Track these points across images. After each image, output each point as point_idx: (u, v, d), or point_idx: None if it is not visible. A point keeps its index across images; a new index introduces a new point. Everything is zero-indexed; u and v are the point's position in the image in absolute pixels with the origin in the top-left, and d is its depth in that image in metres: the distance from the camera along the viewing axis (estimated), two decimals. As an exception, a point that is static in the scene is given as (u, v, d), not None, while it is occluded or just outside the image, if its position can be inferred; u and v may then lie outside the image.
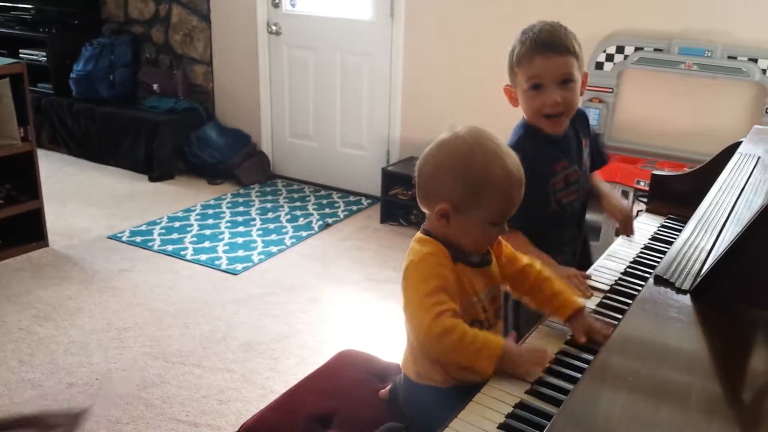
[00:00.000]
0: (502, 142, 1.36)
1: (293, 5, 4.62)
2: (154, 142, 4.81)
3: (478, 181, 1.30)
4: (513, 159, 1.33)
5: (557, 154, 1.79)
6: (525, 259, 1.49)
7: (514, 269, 1.48)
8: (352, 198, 4.58)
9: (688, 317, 1.23)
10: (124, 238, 3.83)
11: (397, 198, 4.13)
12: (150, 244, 3.77)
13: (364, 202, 4.51)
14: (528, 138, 1.76)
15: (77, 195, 4.48)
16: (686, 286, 1.27)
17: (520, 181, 1.33)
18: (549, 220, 1.79)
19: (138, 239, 3.82)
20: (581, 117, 1.90)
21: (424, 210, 1.39)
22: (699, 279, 1.26)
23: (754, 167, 1.84)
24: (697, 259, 1.37)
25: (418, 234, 1.41)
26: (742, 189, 1.69)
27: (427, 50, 4.15)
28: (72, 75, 5.14)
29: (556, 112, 1.71)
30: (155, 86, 5.12)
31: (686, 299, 1.25)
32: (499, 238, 1.44)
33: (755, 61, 3.20)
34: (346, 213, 4.32)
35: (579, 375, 1.20)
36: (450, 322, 1.25)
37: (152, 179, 4.80)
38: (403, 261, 1.38)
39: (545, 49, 1.66)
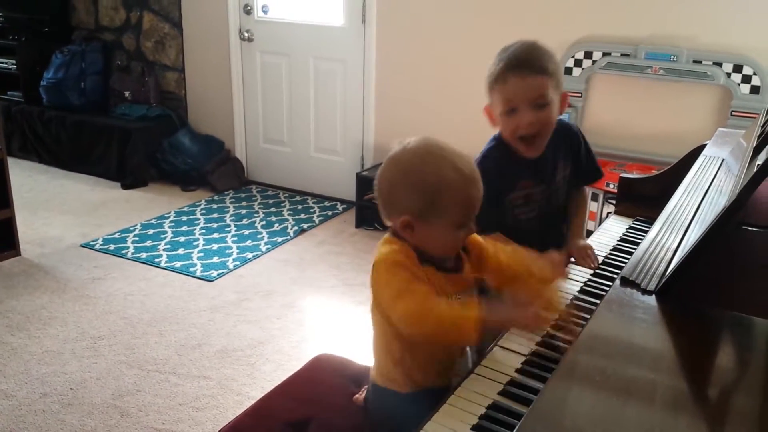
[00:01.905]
0: (451, 146, 1.36)
1: (265, 12, 4.62)
2: (127, 150, 4.79)
3: (433, 189, 1.31)
4: (464, 159, 1.34)
5: (522, 172, 1.78)
6: (501, 256, 1.50)
7: (493, 265, 1.49)
8: (327, 203, 4.59)
9: (654, 317, 1.26)
10: (97, 246, 3.80)
11: (372, 203, 4.14)
12: (123, 251, 3.75)
13: (340, 207, 4.53)
14: (496, 151, 1.77)
15: (49, 203, 4.44)
16: (651, 287, 1.31)
17: (474, 179, 1.34)
18: (506, 232, 1.75)
19: (111, 247, 3.80)
20: (568, 136, 1.87)
21: (390, 225, 1.40)
22: (663, 280, 1.29)
23: (719, 169, 1.89)
24: (662, 259, 1.41)
25: (386, 236, 1.42)
26: (707, 190, 1.73)
27: (399, 56, 4.17)
28: (42, 83, 5.10)
29: (530, 133, 1.70)
30: (127, 93, 5.09)
31: (651, 300, 1.28)
32: (479, 239, 1.46)
33: (720, 65, 3.27)
34: (321, 218, 4.33)
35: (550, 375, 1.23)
36: (421, 310, 1.26)
37: (125, 187, 4.77)
38: (373, 264, 1.39)
39: (519, 68, 1.65)
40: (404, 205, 1.33)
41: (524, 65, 1.65)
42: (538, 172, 1.81)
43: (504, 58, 1.69)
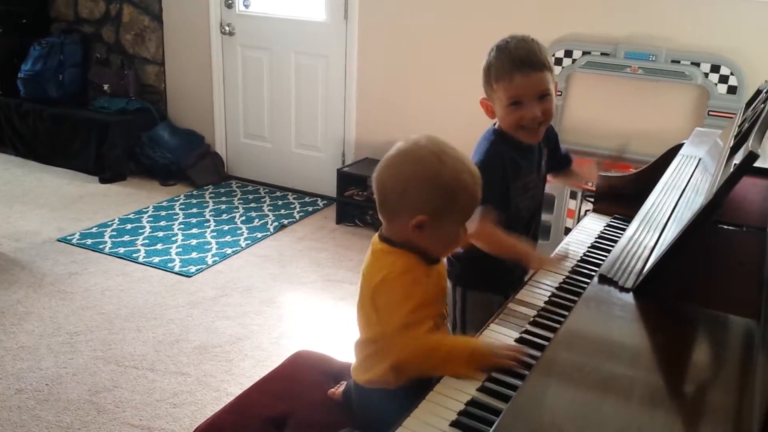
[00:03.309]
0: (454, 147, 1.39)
1: (247, 6, 4.60)
2: (105, 143, 4.74)
3: (452, 189, 1.33)
4: (470, 160, 1.39)
5: (522, 162, 1.84)
6: None
7: None
8: (307, 199, 4.58)
9: (631, 315, 1.27)
10: (74, 241, 3.76)
11: (353, 199, 4.15)
12: (101, 246, 3.71)
13: (320, 203, 4.52)
14: (499, 145, 1.81)
15: (25, 197, 4.39)
16: (629, 284, 1.32)
17: (480, 181, 1.38)
18: (505, 221, 1.82)
19: (88, 242, 3.76)
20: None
21: (390, 223, 1.40)
22: (641, 278, 1.30)
23: (695, 168, 1.91)
24: (639, 257, 1.42)
25: (382, 245, 1.41)
26: (684, 189, 1.75)
27: (381, 52, 4.17)
28: (20, 75, 5.04)
29: (536, 124, 1.77)
30: (106, 86, 5.04)
31: (629, 297, 1.29)
32: None
33: (698, 65, 3.31)
34: (301, 214, 4.32)
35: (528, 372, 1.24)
36: (422, 351, 1.31)
37: (103, 181, 4.72)
38: (369, 271, 1.39)
39: (524, 67, 1.71)
40: (419, 204, 1.33)
41: (528, 64, 1.71)
42: (532, 159, 1.88)
43: (506, 57, 1.73)
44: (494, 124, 1.86)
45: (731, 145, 1.61)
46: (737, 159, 1.39)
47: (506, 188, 1.80)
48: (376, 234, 1.44)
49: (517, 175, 1.82)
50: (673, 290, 1.30)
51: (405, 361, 1.34)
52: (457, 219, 1.36)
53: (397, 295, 1.33)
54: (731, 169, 1.26)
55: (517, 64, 1.71)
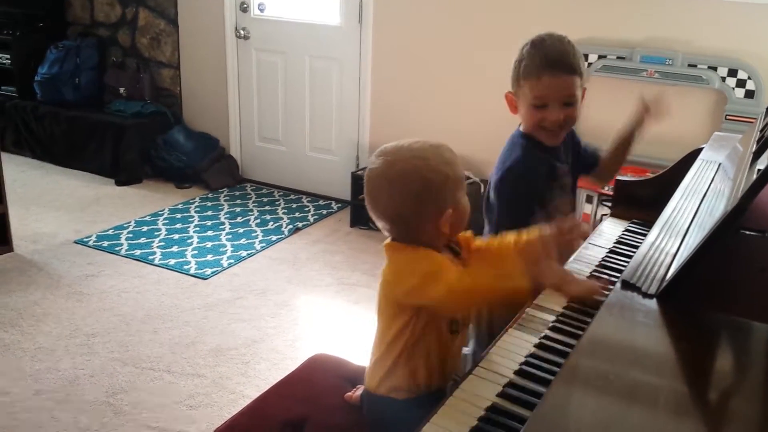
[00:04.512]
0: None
1: (261, 10, 4.61)
2: (121, 146, 4.77)
3: (451, 176, 1.38)
4: (430, 142, 1.43)
5: (554, 160, 1.85)
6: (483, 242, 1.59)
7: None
8: (322, 202, 4.59)
9: (655, 321, 1.26)
10: (90, 243, 3.78)
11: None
12: (117, 248, 3.73)
13: (334, 206, 4.52)
14: (531, 148, 1.80)
15: (42, 199, 4.42)
16: (652, 290, 1.31)
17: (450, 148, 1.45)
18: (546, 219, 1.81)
19: (105, 244, 3.78)
20: None
21: (414, 236, 1.41)
22: (664, 284, 1.29)
23: (715, 173, 1.90)
24: (662, 263, 1.41)
25: (394, 243, 1.44)
26: (704, 195, 1.74)
27: (395, 55, 4.17)
28: (37, 78, 5.07)
29: (557, 127, 1.76)
30: (122, 90, 5.07)
31: (652, 303, 1.28)
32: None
33: (715, 69, 3.29)
34: (316, 217, 4.33)
35: (551, 377, 1.23)
36: (465, 284, 1.34)
37: (119, 183, 4.75)
38: (391, 263, 1.44)
39: (554, 68, 1.69)
40: (439, 204, 1.37)
41: (559, 65, 1.70)
42: (561, 156, 1.89)
43: (538, 54, 1.72)
44: (519, 126, 1.85)
45: (753, 149, 1.59)
46: (761, 164, 1.38)
47: (548, 190, 1.80)
48: (385, 242, 1.47)
49: (554, 176, 1.83)
50: (697, 296, 1.29)
51: (458, 308, 1.40)
52: (464, 192, 1.43)
53: (414, 266, 1.37)
54: (755, 175, 1.25)
55: (548, 64, 1.70)
